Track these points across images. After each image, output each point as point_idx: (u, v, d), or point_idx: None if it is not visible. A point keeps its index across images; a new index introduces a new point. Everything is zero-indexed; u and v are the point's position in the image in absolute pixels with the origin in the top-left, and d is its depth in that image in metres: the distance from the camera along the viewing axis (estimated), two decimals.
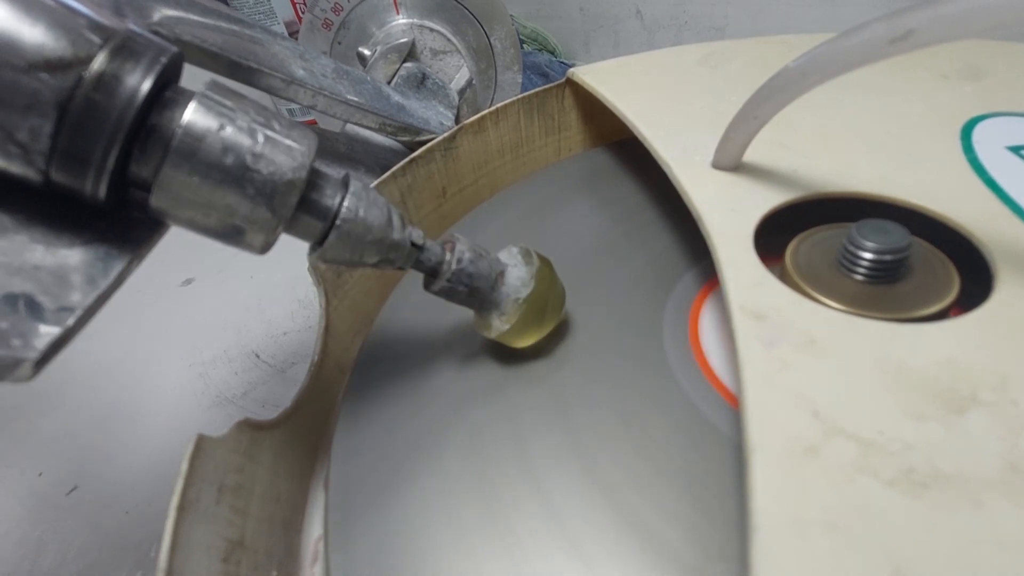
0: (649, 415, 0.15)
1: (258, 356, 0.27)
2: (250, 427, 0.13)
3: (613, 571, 0.12)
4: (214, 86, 0.11)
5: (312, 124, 0.42)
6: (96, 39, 0.10)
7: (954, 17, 0.10)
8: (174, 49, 0.11)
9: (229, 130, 0.11)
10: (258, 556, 0.13)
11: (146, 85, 0.10)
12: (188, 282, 0.33)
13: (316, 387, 0.16)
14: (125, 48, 0.10)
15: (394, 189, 0.21)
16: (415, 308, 0.19)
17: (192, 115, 0.10)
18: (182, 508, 0.11)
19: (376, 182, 0.20)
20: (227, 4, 0.42)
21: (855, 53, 0.12)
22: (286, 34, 0.43)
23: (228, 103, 0.11)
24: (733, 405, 0.15)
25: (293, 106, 0.44)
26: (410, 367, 0.17)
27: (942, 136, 0.17)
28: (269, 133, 0.11)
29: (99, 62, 0.10)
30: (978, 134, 0.17)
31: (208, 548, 0.11)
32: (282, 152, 0.11)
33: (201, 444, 0.12)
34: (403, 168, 0.21)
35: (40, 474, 0.23)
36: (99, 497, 0.22)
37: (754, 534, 0.09)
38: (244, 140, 0.11)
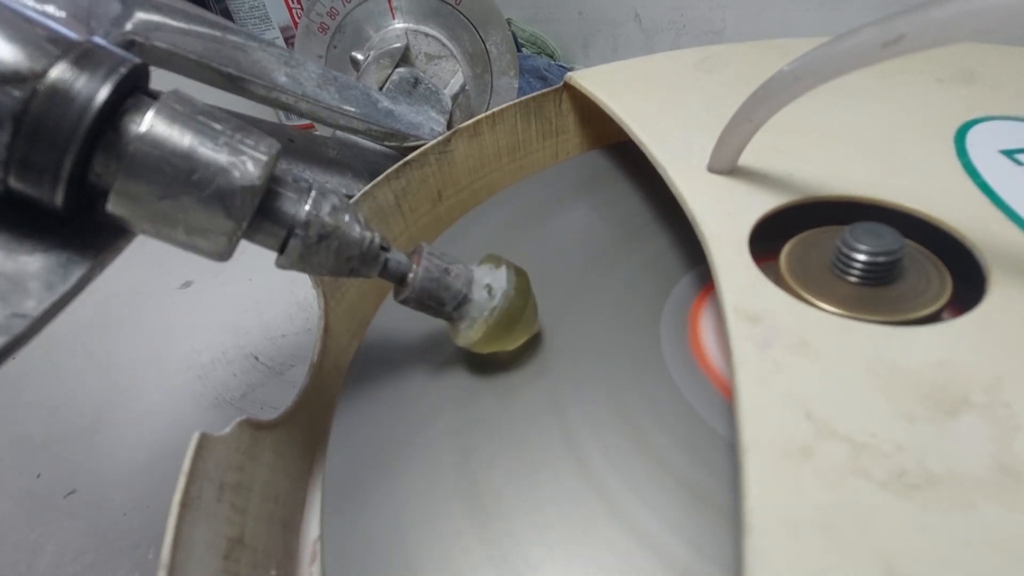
0: (645, 416, 0.15)
1: (256, 358, 0.27)
2: (251, 426, 0.14)
3: (606, 571, 0.12)
4: (174, 95, 0.11)
5: (309, 128, 0.42)
6: (53, 50, 0.10)
7: (946, 21, 0.10)
8: (135, 60, 0.11)
9: (187, 138, 0.11)
10: (257, 555, 0.13)
11: (102, 95, 0.10)
12: (187, 285, 0.33)
13: (315, 388, 0.17)
14: (83, 59, 0.10)
15: (388, 192, 0.21)
16: (410, 309, 0.19)
17: (150, 123, 0.11)
18: (184, 505, 0.11)
19: (370, 185, 0.20)
20: (225, 7, 0.42)
21: (848, 57, 0.12)
22: (280, 38, 0.43)
23: (187, 111, 0.11)
24: None
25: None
26: (404, 368, 0.17)
27: (936, 139, 0.17)
28: (228, 140, 0.11)
29: (55, 73, 0.10)
30: (972, 137, 0.17)
31: (209, 545, 0.11)
32: (241, 159, 0.11)
33: (203, 442, 0.12)
34: (397, 171, 0.21)
35: (38, 476, 0.23)
36: (97, 499, 0.22)
37: (747, 534, 0.09)
38: (201, 148, 0.11)
